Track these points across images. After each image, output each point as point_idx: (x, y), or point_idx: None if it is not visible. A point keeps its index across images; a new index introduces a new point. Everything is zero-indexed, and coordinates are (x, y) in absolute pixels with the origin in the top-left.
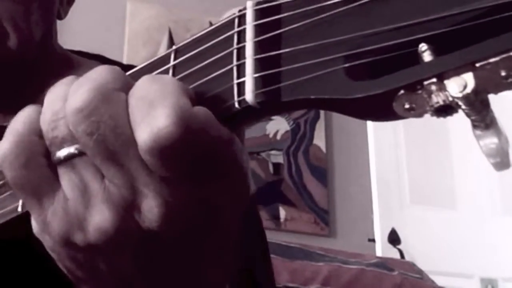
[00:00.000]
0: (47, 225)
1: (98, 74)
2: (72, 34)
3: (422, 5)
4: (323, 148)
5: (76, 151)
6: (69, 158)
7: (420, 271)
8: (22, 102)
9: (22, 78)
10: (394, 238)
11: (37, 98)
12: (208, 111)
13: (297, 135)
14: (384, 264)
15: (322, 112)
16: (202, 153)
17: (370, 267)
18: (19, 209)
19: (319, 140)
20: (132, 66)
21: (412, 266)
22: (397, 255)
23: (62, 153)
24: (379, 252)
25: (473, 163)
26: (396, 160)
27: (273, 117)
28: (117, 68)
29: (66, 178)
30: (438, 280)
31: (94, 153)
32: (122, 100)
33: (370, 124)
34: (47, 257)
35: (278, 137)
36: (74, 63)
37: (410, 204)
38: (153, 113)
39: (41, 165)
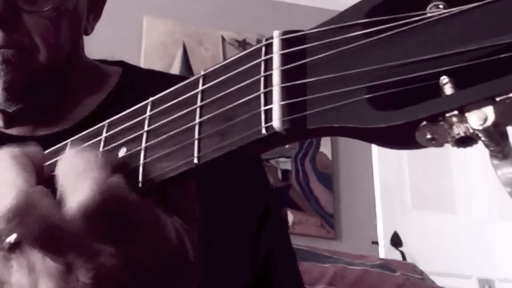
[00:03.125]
0: None
1: (9, 176)
2: (92, 48)
3: (443, 40)
4: (329, 156)
5: (14, 240)
6: (14, 245)
7: (421, 272)
8: (52, 114)
9: (51, 91)
10: (396, 241)
11: (66, 109)
12: (120, 181)
13: (304, 143)
14: (387, 265)
15: None
16: (116, 214)
17: (374, 268)
18: None
19: (325, 147)
20: (151, 71)
21: (413, 267)
22: (399, 257)
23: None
24: (382, 254)
25: (472, 170)
26: (398, 167)
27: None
28: (19, 158)
29: (16, 262)
30: (438, 281)
31: (32, 245)
32: (44, 193)
33: None
34: None
35: (286, 145)
36: (101, 72)
37: (411, 208)
38: (78, 188)
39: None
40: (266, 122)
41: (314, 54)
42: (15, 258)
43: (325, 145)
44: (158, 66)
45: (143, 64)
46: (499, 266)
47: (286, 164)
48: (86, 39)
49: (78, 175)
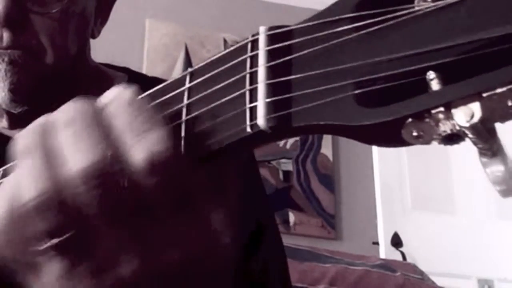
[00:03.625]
0: None
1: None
2: (95, 49)
3: (430, 34)
4: (330, 157)
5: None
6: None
7: (421, 272)
8: None
9: (57, 92)
10: (396, 241)
11: None
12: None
13: (305, 144)
14: (388, 265)
15: None
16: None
17: (375, 268)
18: None
19: (326, 149)
20: (155, 79)
21: (413, 268)
22: (399, 257)
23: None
24: (382, 255)
25: (471, 171)
26: (399, 168)
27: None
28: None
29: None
30: (438, 281)
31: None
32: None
33: None
34: None
35: (288, 146)
36: (106, 76)
37: (411, 209)
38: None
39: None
40: (251, 120)
41: (300, 50)
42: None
43: (326, 147)
44: (160, 68)
45: (145, 65)
46: (499, 266)
47: (287, 165)
48: (91, 41)
49: (141, 125)
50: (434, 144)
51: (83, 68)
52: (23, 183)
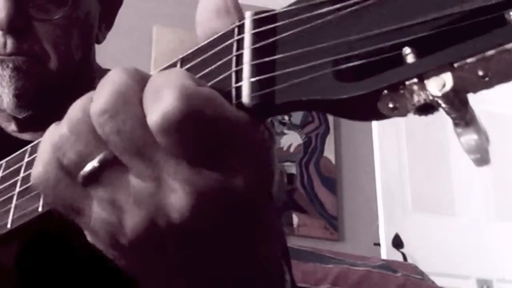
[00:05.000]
0: (94, 233)
1: (115, 76)
2: (103, 56)
3: (405, 11)
4: (333, 160)
5: (97, 164)
6: (93, 174)
7: (421, 273)
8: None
9: (61, 97)
10: (397, 242)
11: None
12: (214, 91)
13: (308, 148)
14: (389, 266)
15: (331, 127)
16: (212, 130)
17: (376, 269)
18: (40, 209)
19: (329, 152)
20: None
21: (414, 268)
22: (400, 258)
23: (85, 169)
24: (384, 255)
25: (470, 174)
26: (400, 171)
27: (287, 132)
28: (132, 69)
29: (95, 197)
30: (438, 281)
31: (122, 151)
32: (141, 98)
33: (375, 137)
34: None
35: (292, 150)
36: None
37: (412, 211)
38: (159, 96)
39: (68, 185)
40: (236, 99)
41: (284, 32)
42: (94, 190)
43: (329, 150)
44: None
45: (152, 72)
46: (497, 266)
47: (291, 168)
48: (97, 48)
49: (160, 85)
50: (435, 147)
51: (88, 72)
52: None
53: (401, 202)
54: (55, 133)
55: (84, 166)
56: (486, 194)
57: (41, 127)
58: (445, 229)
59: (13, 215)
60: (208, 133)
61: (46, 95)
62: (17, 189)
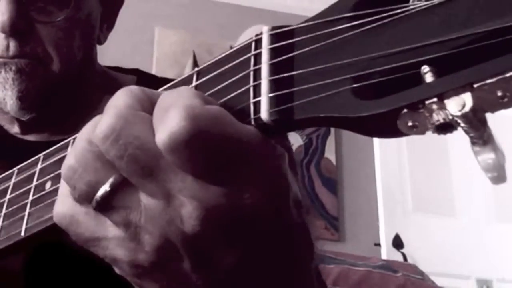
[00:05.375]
0: (115, 260)
1: (117, 100)
2: (105, 57)
3: (424, 30)
4: (333, 161)
5: (109, 188)
6: (105, 199)
7: (421, 273)
8: (68, 121)
9: (64, 98)
10: (398, 243)
11: (81, 116)
12: (223, 109)
13: (309, 149)
14: (389, 266)
15: (332, 128)
16: (219, 148)
17: (376, 269)
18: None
19: (330, 153)
20: (165, 79)
21: (414, 268)
22: (400, 258)
23: (97, 196)
24: (384, 256)
25: (470, 175)
26: (400, 172)
27: (287, 133)
28: (136, 89)
29: (111, 221)
30: (438, 281)
31: (129, 172)
32: (144, 118)
33: (376, 139)
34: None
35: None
36: (114, 80)
37: (412, 211)
38: (166, 116)
39: (84, 216)
40: (255, 114)
41: (301, 48)
42: (109, 214)
43: (330, 151)
44: (169, 74)
45: (155, 72)
46: (497, 266)
47: None
48: (100, 49)
49: (168, 104)
50: (435, 147)
51: (90, 73)
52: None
53: (401, 202)
54: (64, 165)
55: (95, 194)
56: (486, 195)
57: (44, 129)
58: (445, 230)
59: (27, 223)
60: (215, 151)
61: (49, 97)
62: (31, 197)
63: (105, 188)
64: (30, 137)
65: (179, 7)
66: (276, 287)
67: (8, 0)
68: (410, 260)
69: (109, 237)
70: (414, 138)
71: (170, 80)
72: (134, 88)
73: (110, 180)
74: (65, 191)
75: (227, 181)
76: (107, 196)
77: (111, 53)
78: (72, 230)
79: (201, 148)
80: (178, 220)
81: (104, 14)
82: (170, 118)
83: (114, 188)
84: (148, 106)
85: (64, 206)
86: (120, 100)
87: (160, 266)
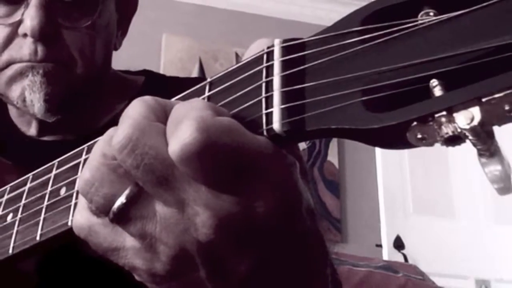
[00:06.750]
0: (134, 269)
1: (133, 110)
2: (114, 62)
3: (433, 45)
4: (336, 164)
5: (125, 200)
6: (122, 210)
7: (422, 273)
8: (82, 122)
9: (85, 101)
10: (399, 244)
11: (91, 116)
12: (234, 121)
13: (313, 152)
14: (390, 267)
15: None
16: (231, 158)
17: (378, 269)
18: (69, 223)
19: (333, 157)
20: (175, 78)
21: (415, 269)
22: (401, 259)
23: (114, 207)
24: (385, 256)
25: (470, 178)
26: (401, 175)
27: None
28: (150, 100)
29: (127, 232)
30: (438, 281)
31: (145, 182)
32: (159, 129)
33: None
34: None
35: None
36: (125, 81)
37: (413, 213)
38: (179, 127)
39: (102, 228)
40: (267, 125)
41: (312, 60)
42: (125, 225)
43: (332, 154)
44: None
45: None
46: (495, 267)
47: None
48: None
49: (181, 116)
50: (435, 151)
51: (107, 77)
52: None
53: (402, 205)
54: (80, 179)
55: (112, 206)
56: (485, 197)
57: (61, 131)
58: (445, 231)
59: (42, 228)
60: (227, 161)
61: (73, 99)
62: (46, 202)
63: (121, 200)
64: (46, 138)
65: (186, 14)
66: None
67: (37, 6)
68: (410, 261)
69: (126, 247)
70: None
71: (179, 79)
72: (148, 98)
73: (126, 192)
74: (82, 203)
75: (240, 190)
76: (124, 207)
77: (119, 59)
78: (91, 240)
79: (213, 159)
80: (193, 229)
81: (120, 21)
82: (183, 129)
83: (130, 200)
84: (162, 116)
85: (82, 218)
86: (136, 111)
87: (176, 275)
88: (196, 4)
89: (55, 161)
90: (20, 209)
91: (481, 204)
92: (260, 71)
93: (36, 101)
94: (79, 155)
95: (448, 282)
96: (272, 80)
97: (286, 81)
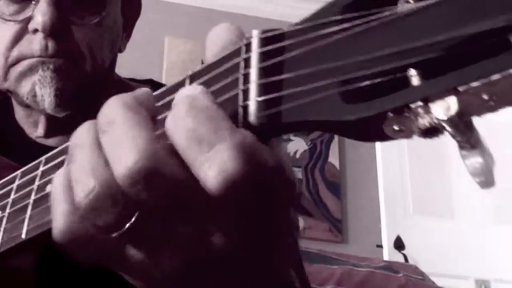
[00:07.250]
0: (131, 276)
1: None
2: (117, 66)
3: (411, 33)
4: (337, 166)
5: (134, 220)
6: (128, 230)
7: (422, 273)
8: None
9: (93, 98)
10: (399, 244)
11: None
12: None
13: (314, 154)
14: (391, 267)
15: None
16: (260, 183)
17: (378, 269)
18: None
19: (333, 158)
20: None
21: (415, 269)
22: (401, 259)
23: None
24: (386, 257)
25: (469, 179)
26: (401, 175)
27: (293, 138)
28: (144, 118)
29: (130, 244)
30: (438, 281)
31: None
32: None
33: (378, 143)
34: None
35: (297, 155)
36: (130, 89)
37: (413, 214)
38: (215, 152)
39: (101, 240)
40: (244, 118)
41: (291, 51)
42: (129, 241)
43: (334, 156)
44: None
45: (164, 81)
46: (495, 267)
47: (297, 173)
48: None
49: (206, 134)
50: (435, 151)
51: (111, 81)
52: (75, 179)
53: (403, 205)
54: (83, 204)
55: (120, 225)
56: (484, 198)
57: (67, 131)
58: (444, 232)
59: (28, 225)
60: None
61: (82, 95)
62: (31, 199)
63: (130, 221)
64: (51, 141)
65: (188, 17)
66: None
67: (48, 2)
68: (411, 261)
69: (126, 258)
70: (414, 143)
71: None
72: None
73: (137, 214)
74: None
75: (255, 212)
76: (131, 227)
77: (121, 61)
78: (87, 251)
79: (247, 186)
80: (207, 244)
81: (125, 23)
82: (221, 156)
83: (138, 220)
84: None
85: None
86: (130, 131)
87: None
88: (198, 7)
89: (43, 158)
90: (8, 206)
91: (480, 205)
92: (238, 63)
93: (46, 96)
94: (65, 152)
95: (448, 282)
96: (249, 73)
97: (263, 73)
